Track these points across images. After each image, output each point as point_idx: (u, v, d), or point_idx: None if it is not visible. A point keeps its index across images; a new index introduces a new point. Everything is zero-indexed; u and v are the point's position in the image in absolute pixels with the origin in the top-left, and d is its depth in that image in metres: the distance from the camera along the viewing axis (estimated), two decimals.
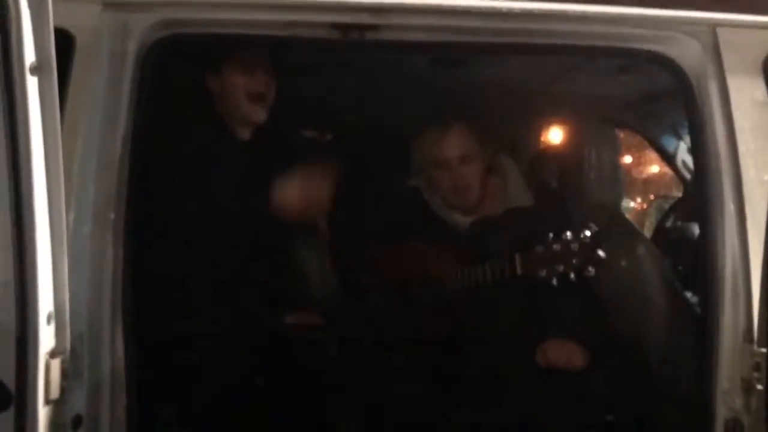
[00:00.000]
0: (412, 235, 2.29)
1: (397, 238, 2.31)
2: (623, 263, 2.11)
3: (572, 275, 1.94)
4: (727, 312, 1.78)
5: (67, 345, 1.47)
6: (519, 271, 2.00)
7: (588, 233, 1.95)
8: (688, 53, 1.84)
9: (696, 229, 3.12)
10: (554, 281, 1.96)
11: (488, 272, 2.07)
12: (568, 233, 1.95)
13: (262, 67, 2.16)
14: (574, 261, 1.93)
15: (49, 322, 1.42)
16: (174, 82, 1.87)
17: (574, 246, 1.94)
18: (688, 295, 2.39)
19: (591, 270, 1.93)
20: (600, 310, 2.11)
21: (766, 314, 1.58)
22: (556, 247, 1.95)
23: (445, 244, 2.26)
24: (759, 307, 1.63)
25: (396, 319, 2.22)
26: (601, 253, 1.93)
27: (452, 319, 2.17)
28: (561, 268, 1.94)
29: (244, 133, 2.21)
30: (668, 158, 3.44)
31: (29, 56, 1.32)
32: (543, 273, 1.96)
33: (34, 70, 1.33)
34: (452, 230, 2.31)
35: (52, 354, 1.43)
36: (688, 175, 3.44)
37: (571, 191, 2.35)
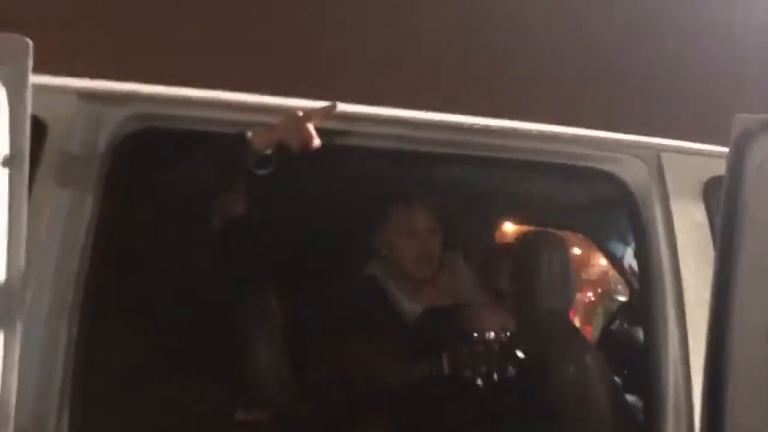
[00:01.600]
0: (364, 323, 2.32)
1: (349, 326, 2.33)
2: (571, 369, 2.15)
3: (495, 376, 1.99)
4: (669, 419, 1.83)
5: None
6: (446, 371, 2.05)
7: (508, 334, 2.03)
8: (633, 173, 1.96)
9: (640, 335, 3.22)
10: (479, 381, 2.01)
11: (419, 370, 2.12)
12: (491, 334, 2.03)
13: None
14: (494, 361, 1.99)
15: None
16: (144, 175, 1.89)
17: (495, 346, 2.01)
18: (632, 398, 2.44)
19: (511, 370, 1.99)
20: (538, 414, 2.13)
21: (706, 427, 1.62)
22: (479, 347, 2.02)
23: (394, 335, 2.29)
24: (700, 422, 1.69)
25: (342, 416, 2.21)
26: (519, 354, 2.00)
27: (394, 416, 2.17)
28: (483, 368, 2.00)
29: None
30: (615, 262, 3.55)
31: (2, 148, 1.34)
32: (468, 373, 2.02)
33: (6, 161, 1.35)
34: (403, 319, 2.35)
35: None
36: (634, 281, 3.56)
37: (522, 295, 2.41)
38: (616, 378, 2.64)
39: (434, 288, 2.41)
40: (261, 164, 1.87)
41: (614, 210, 2.90)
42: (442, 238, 2.42)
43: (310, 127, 1.84)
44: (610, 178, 1.99)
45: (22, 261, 1.40)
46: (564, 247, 2.55)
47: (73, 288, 1.67)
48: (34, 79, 1.39)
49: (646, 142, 1.98)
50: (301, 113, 1.84)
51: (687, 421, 1.82)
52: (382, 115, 1.88)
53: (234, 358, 2.17)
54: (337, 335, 2.34)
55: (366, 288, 2.43)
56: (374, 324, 2.33)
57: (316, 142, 1.85)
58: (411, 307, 2.38)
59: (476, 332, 2.04)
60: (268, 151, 1.86)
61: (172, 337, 2.06)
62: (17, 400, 1.43)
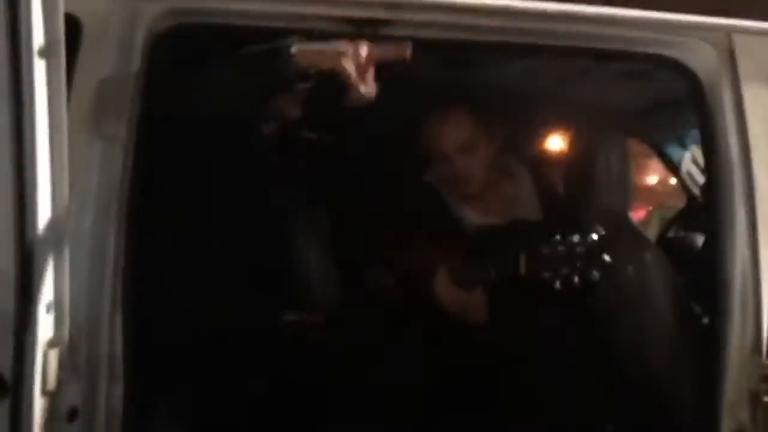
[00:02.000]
0: (423, 231, 2.25)
1: (409, 233, 2.27)
2: (630, 270, 2.08)
3: (576, 279, 1.89)
4: (735, 323, 1.76)
5: (66, 336, 1.44)
6: (522, 271, 1.95)
7: (594, 237, 1.90)
8: (702, 59, 1.82)
9: (699, 240, 3.12)
10: (557, 284, 1.90)
11: (491, 269, 2.03)
12: (575, 236, 1.90)
13: None
14: (578, 264, 1.87)
15: (48, 311, 1.39)
16: (182, 73, 1.84)
17: (580, 249, 1.88)
18: (694, 305, 2.37)
19: (596, 274, 1.87)
20: (603, 318, 2.07)
21: None
22: (561, 249, 1.90)
23: (453, 243, 2.21)
24: None
25: (397, 316, 2.19)
26: (606, 257, 1.89)
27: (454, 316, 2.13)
28: (565, 271, 1.88)
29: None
30: (673, 168, 3.42)
31: (38, 39, 1.29)
32: (546, 275, 1.90)
33: (42, 53, 1.30)
34: (460, 227, 2.28)
35: (51, 344, 1.40)
36: (693, 186, 3.43)
37: (578, 197, 2.33)
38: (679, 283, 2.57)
39: (489, 200, 2.28)
40: (303, 78, 1.77)
41: (671, 111, 2.76)
42: (489, 149, 2.24)
43: (371, 74, 1.74)
44: (674, 64, 1.85)
45: (64, 159, 1.38)
46: (621, 146, 2.45)
47: (117, 194, 1.65)
48: None
49: (715, 24, 1.82)
50: (365, 52, 1.72)
51: (754, 326, 1.74)
52: (430, 2, 1.76)
53: (284, 262, 2.16)
54: (396, 240, 2.30)
55: (423, 195, 2.34)
56: (432, 229, 2.26)
57: (371, 94, 1.75)
58: (469, 214, 2.29)
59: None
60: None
61: (222, 242, 2.05)
62: (72, 303, 1.44)
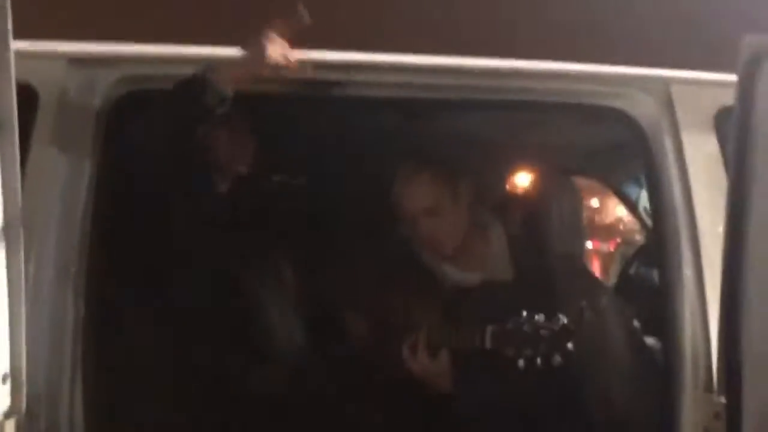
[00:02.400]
0: (398, 283, 2.23)
1: (383, 282, 2.25)
2: (585, 313, 2.11)
3: (538, 361, 1.85)
4: (687, 361, 1.81)
5: (23, 406, 1.43)
6: (487, 344, 1.93)
7: (561, 322, 1.87)
8: (644, 109, 1.91)
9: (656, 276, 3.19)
10: (520, 363, 1.86)
11: (460, 337, 2.01)
12: (542, 316, 1.88)
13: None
14: (541, 347, 1.86)
15: (4, 381, 1.39)
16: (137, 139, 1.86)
17: (544, 332, 1.86)
18: (652, 341, 2.42)
19: (558, 359, 1.84)
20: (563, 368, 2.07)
21: (724, 364, 1.60)
22: (527, 328, 1.88)
23: (429, 300, 2.18)
24: (717, 357, 1.66)
25: (363, 371, 2.19)
26: (570, 346, 1.85)
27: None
28: (528, 351, 1.86)
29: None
30: (630, 205, 3.51)
31: None
32: (510, 352, 1.88)
33: None
34: (438, 284, 2.22)
35: (7, 414, 1.40)
36: (650, 222, 3.52)
37: (536, 241, 2.38)
38: (634, 321, 2.62)
39: (464, 256, 2.21)
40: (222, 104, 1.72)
41: (626, 150, 2.85)
42: (458, 208, 2.18)
43: (285, 47, 1.67)
44: (618, 115, 1.93)
45: (19, 229, 1.40)
46: (574, 191, 2.52)
47: (76, 257, 1.66)
48: (23, 44, 1.37)
49: (654, 75, 1.92)
50: (269, 36, 1.66)
51: (705, 363, 1.78)
52: (380, 62, 1.83)
53: (248, 322, 2.17)
54: (368, 292, 2.29)
55: (399, 248, 2.26)
56: (408, 283, 2.22)
57: (294, 62, 1.67)
58: (443, 271, 2.22)
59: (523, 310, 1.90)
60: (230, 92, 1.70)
61: (183, 302, 2.06)
62: (29, 371, 1.44)
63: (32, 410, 1.49)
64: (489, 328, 1.94)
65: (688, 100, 1.89)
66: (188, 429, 2.00)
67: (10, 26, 1.29)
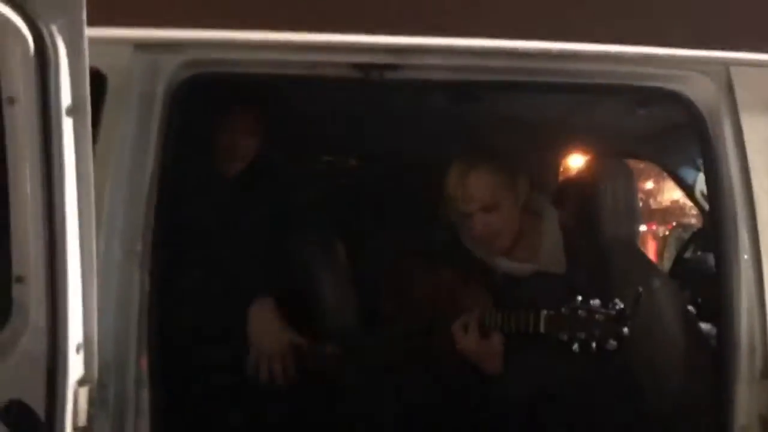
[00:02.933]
0: (446, 265, 2.26)
1: (430, 265, 2.28)
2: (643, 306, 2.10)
3: (593, 345, 1.86)
4: (743, 347, 1.79)
5: (95, 374, 1.51)
6: (542, 329, 1.94)
7: (616, 307, 1.88)
8: (702, 92, 1.87)
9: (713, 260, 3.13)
10: (575, 346, 1.87)
11: (513, 321, 2.03)
12: (597, 301, 1.89)
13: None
14: (596, 332, 1.86)
15: (78, 351, 1.47)
16: (200, 122, 1.93)
17: (599, 317, 1.87)
18: (707, 326, 2.39)
19: (613, 344, 1.85)
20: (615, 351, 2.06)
21: None
22: (582, 313, 1.88)
23: (476, 280, 2.21)
24: None
25: (413, 350, 2.23)
26: (626, 330, 1.85)
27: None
28: (583, 335, 1.87)
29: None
30: (687, 189, 3.45)
31: (65, 98, 1.39)
32: (565, 336, 1.89)
33: (70, 111, 1.39)
34: (493, 274, 2.24)
35: (81, 383, 1.48)
36: (707, 206, 3.45)
37: (590, 225, 2.37)
38: (689, 306, 2.59)
39: (521, 248, 2.21)
40: None
41: (683, 134, 2.80)
42: (515, 202, 2.17)
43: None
44: (676, 97, 1.91)
45: (92, 208, 1.47)
46: (628, 176, 2.49)
47: (142, 235, 1.74)
48: (91, 32, 1.43)
49: (713, 57, 1.88)
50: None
51: (762, 349, 1.76)
52: (435, 45, 1.84)
53: (303, 296, 2.23)
54: (412, 270, 2.32)
55: (445, 234, 2.30)
56: (464, 272, 2.24)
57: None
58: (499, 263, 2.23)
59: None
60: None
61: (245, 278, 2.13)
62: (100, 342, 1.52)
63: (102, 379, 1.57)
64: (543, 312, 1.95)
65: (748, 82, 1.85)
66: (247, 398, 2.08)
67: (84, 17, 1.35)
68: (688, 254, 3.59)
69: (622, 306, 1.87)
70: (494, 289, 2.21)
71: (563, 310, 1.91)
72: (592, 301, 1.89)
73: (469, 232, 2.20)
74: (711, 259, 3.21)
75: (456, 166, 2.17)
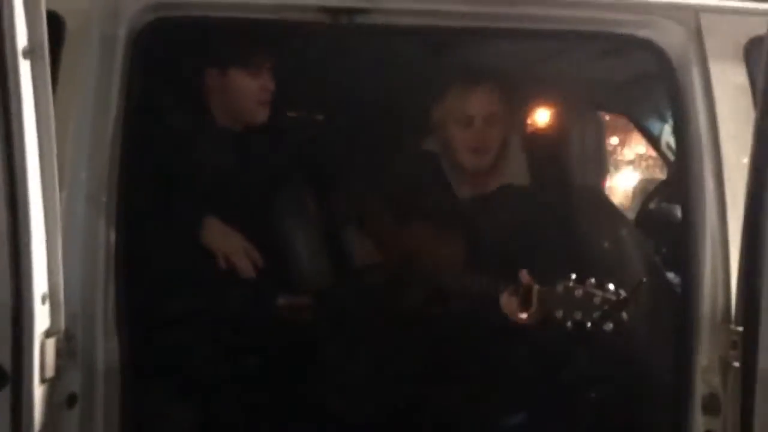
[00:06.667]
0: (417, 201, 2.29)
1: (405, 203, 2.30)
2: (604, 243, 2.13)
3: (588, 326, 1.85)
4: (706, 291, 1.82)
5: (62, 325, 1.50)
6: (533, 304, 1.93)
7: (615, 290, 1.86)
8: (670, 38, 1.87)
9: (678, 211, 3.19)
10: (568, 325, 1.86)
11: (502, 291, 2.02)
12: (592, 280, 1.88)
13: (268, 69, 2.18)
14: (594, 315, 1.85)
15: (43, 302, 1.45)
16: (163, 67, 1.88)
17: (597, 298, 1.85)
18: (671, 275, 2.44)
19: (609, 326, 1.84)
20: None
21: (743, 294, 1.62)
22: (578, 293, 1.87)
23: (447, 217, 2.25)
24: (737, 287, 1.68)
25: (390, 299, 2.24)
26: (625, 316, 1.85)
27: (452, 313, 2.15)
28: (579, 316, 1.86)
29: (237, 127, 2.23)
30: (653, 141, 3.48)
31: (21, 40, 1.34)
32: (559, 315, 1.88)
33: (27, 53, 1.34)
34: (457, 202, 2.30)
35: (47, 334, 1.46)
36: (672, 158, 3.49)
37: (556, 174, 2.38)
38: (654, 255, 2.63)
39: (490, 179, 2.29)
40: None
41: (651, 83, 2.81)
42: (506, 125, 2.26)
43: None
44: (644, 44, 1.90)
45: (53, 154, 1.43)
46: (596, 124, 2.51)
47: (106, 185, 1.70)
48: None
49: (683, 3, 1.87)
50: None
51: (724, 294, 1.80)
52: None
53: (274, 247, 2.21)
54: (391, 214, 2.33)
55: (424, 163, 2.35)
56: (431, 205, 2.29)
57: None
58: (467, 191, 2.29)
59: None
60: None
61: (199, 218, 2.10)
62: (66, 293, 1.50)
63: (70, 330, 1.55)
64: (535, 288, 1.91)
65: (717, 29, 1.85)
66: (217, 349, 2.08)
67: None
68: (652, 205, 3.64)
69: (625, 294, 1.86)
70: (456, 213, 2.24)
71: (558, 288, 1.89)
72: (587, 280, 1.88)
73: (462, 144, 2.24)
74: (674, 210, 3.29)
75: (458, 84, 2.26)
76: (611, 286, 1.88)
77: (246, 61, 2.14)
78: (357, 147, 2.74)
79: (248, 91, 2.16)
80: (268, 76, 2.18)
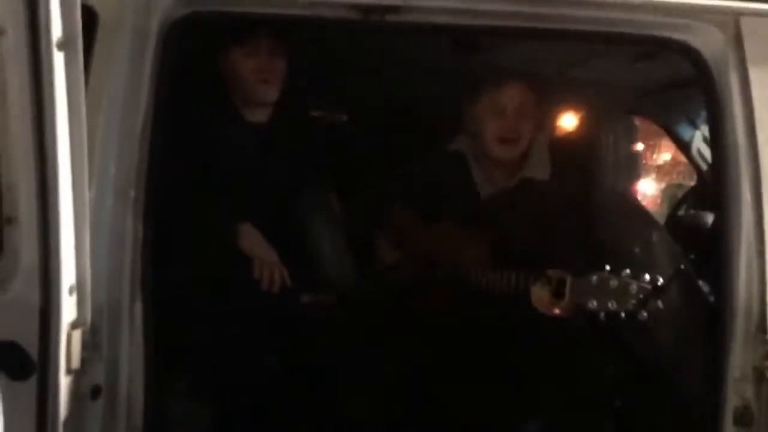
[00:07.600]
0: (443, 200, 2.31)
1: (428, 204, 2.32)
2: (635, 248, 2.10)
3: (622, 315, 1.83)
4: (740, 301, 1.78)
5: (88, 317, 1.50)
6: (567, 295, 1.92)
7: (650, 279, 1.85)
8: (709, 42, 1.83)
9: (708, 218, 3.14)
10: (602, 315, 1.84)
11: (533, 284, 2.01)
12: (627, 271, 1.86)
13: (268, 48, 2.18)
14: (629, 304, 1.83)
15: (71, 293, 1.45)
16: (194, 60, 1.88)
17: (632, 288, 1.84)
18: (701, 283, 2.39)
19: (644, 314, 1.83)
20: None
21: None
22: (613, 283, 1.85)
23: (473, 215, 2.27)
24: None
25: (410, 296, 2.23)
26: (660, 304, 1.84)
27: (479, 311, 2.15)
28: (612, 306, 1.84)
29: (259, 115, 2.23)
30: (683, 147, 3.43)
31: (56, 32, 1.33)
32: (592, 305, 1.85)
33: (61, 45, 1.34)
34: (482, 200, 2.33)
35: (74, 325, 1.46)
36: (702, 165, 3.44)
37: (586, 178, 2.35)
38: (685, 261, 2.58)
39: (516, 172, 2.33)
40: None
41: (682, 90, 2.77)
42: (536, 120, 2.33)
43: None
44: (682, 48, 1.86)
45: (84, 146, 1.43)
46: (629, 129, 2.47)
47: (134, 181, 1.70)
48: None
49: (723, 7, 1.83)
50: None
51: (759, 303, 1.76)
52: None
53: (298, 246, 2.21)
54: (417, 213, 2.33)
55: (450, 162, 2.38)
56: (457, 204, 2.31)
57: None
58: (489, 190, 2.33)
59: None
60: None
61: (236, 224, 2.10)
62: (93, 285, 1.50)
63: (95, 323, 1.55)
64: (568, 279, 1.90)
65: (758, 33, 1.80)
66: (243, 343, 2.07)
67: None
68: (682, 211, 3.58)
69: (662, 281, 1.84)
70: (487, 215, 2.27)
71: (592, 277, 1.87)
72: (622, 271, 1.86)
73: (492, 134, 2.29)
74: (705, 217, 3.23)
75: (493, 80, 2.33)
76: (647, 276, 1.85)
77: (242, 41, 2.16)
78: (383, 146, 2.73)
79: (245, 70, 2.18)
80: (266, 55, 2.18)
